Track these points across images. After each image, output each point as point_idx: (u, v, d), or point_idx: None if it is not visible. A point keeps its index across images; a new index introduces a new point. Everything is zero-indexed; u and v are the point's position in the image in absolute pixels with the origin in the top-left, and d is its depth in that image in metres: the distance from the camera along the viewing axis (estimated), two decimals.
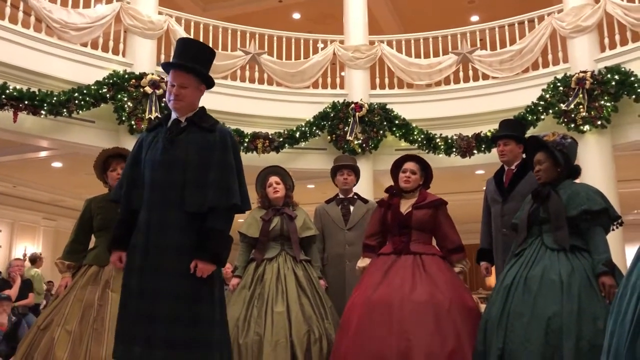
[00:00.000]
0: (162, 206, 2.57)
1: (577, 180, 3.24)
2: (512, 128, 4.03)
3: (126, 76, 7.69)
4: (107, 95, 7.49)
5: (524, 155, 3.82)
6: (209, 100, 8.30)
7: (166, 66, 2.74)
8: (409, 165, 3.61)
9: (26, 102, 6.82)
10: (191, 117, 2.69)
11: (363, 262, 3.59)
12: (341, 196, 4.55)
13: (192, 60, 2.67)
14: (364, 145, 8.39)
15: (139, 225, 2.62)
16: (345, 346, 3.09)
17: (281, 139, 8.43)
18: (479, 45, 9.06)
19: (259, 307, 3.60)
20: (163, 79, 7.86)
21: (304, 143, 8.61)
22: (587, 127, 7.57)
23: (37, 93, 6.93)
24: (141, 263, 2.54)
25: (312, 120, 8.60)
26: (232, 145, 2.68)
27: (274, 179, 4.04)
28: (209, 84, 2.76)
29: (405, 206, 3.53)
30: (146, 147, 2.70)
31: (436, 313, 3.01)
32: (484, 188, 4.12)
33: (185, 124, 2.68)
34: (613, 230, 3.07)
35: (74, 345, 3.08)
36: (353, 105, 8.57)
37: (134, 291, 2.53)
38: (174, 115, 2.72)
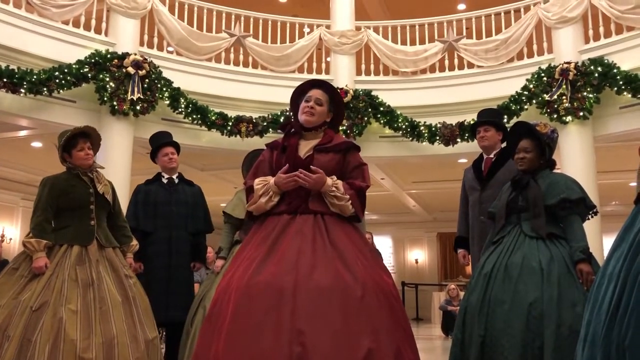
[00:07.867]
0: (178, 228, 4.24)
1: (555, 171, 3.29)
2: (492, 116, 4.08)
3: (108, 56, 7.57)
4: (89, 75, 7.38)
5: (503, 145, 3.84)
6: (192, 83, 8.38)
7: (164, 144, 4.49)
8: (315, 93, 2.68)
9: (5, 80, 6.69)
10: (178, 176, 4.47)
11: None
12: None
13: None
14: (348, 131, 8.37)
15: (160, 239, 4.18)
16: (215, 349, 2.18)
17: (265, 123, 8.38)
18: (464, 33, 9.06)
19: None
20: (146, 59, 7.75)
21: None
22: (569, 118, 7.64)
23: (16, 71, 6.79)
24: (168, 262, 4.14)
25: None
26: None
27: None
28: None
29: (304, 149, 2.61)
30: (154, 194, 4.28)
31: (344, 302, 2.17)
32: None
33: (177, 181, 4.43)
34: (588, 219, 3.12)
35: (83, 325, 3.04)
36: (338, 91, 8.52)
37: (161, 279, 4.10)
38: (166, 176, 4.40)
